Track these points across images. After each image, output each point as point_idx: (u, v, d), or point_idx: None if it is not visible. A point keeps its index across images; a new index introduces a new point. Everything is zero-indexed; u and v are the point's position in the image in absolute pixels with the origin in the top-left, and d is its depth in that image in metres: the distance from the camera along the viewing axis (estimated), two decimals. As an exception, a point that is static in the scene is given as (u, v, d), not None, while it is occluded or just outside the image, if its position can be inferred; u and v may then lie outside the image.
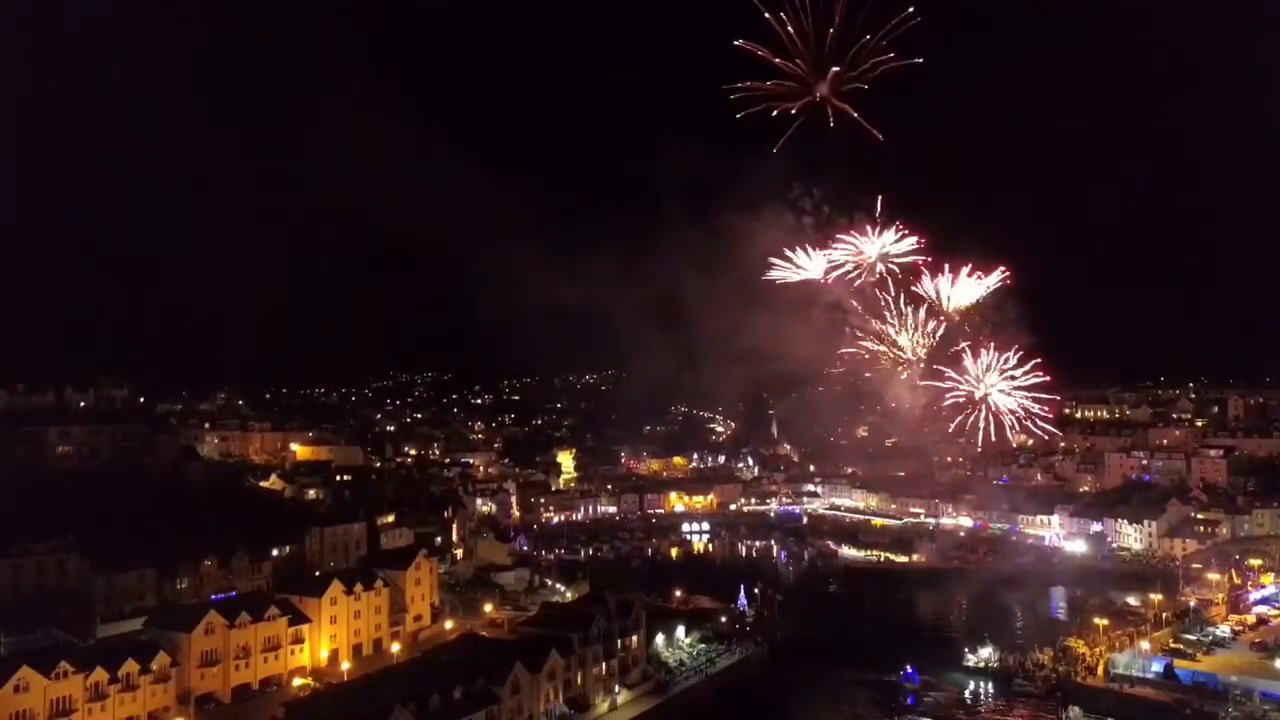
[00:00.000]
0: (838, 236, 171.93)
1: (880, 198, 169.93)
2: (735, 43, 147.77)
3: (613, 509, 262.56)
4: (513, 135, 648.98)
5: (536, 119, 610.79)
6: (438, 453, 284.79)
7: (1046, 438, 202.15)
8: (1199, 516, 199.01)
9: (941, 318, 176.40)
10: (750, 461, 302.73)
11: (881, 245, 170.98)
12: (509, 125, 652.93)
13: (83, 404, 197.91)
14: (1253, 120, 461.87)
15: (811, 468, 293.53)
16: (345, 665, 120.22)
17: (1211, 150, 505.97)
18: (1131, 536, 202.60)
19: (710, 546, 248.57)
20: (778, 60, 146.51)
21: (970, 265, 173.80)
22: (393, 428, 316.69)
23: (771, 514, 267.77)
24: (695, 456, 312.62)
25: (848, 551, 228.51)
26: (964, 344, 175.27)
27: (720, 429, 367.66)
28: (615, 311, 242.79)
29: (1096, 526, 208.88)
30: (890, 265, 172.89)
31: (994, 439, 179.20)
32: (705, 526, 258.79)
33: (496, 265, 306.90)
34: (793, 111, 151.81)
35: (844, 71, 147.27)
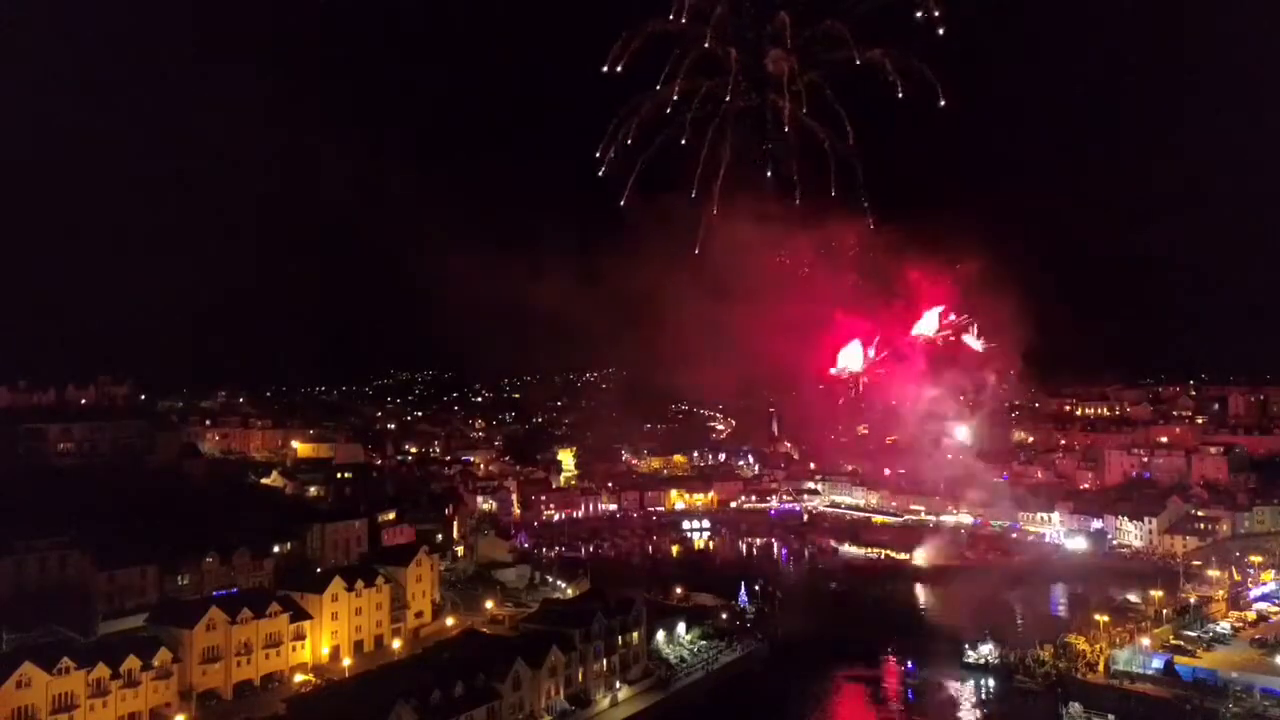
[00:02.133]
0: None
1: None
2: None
3: (613, 506, 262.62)
4: (491, 133, 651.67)
5: (520, 118, 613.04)
6: (438, 450, 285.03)
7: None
8: (1199, 513, 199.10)
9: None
10: (750, 459, 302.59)
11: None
12: (493, 123, 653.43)
13: (84, 401, 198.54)
14: (1253, 118, 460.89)
15: (812, 465, 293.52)
16: (347, 661, 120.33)
17: (1211, 149, 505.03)
18: (1132, 533, 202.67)
19: (711, 544, 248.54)
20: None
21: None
22: (393, 425, 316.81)
23: (771, 511, 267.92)
24: (695, 454, 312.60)
25: (848, 549, 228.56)
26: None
27: (720, 426, 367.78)
28: (608, 309, 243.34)
29: (1097, 523, 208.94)
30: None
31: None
32: (705, 524, 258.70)
33: (491, 264, 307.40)
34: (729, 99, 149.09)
35: (792, 61, 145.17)
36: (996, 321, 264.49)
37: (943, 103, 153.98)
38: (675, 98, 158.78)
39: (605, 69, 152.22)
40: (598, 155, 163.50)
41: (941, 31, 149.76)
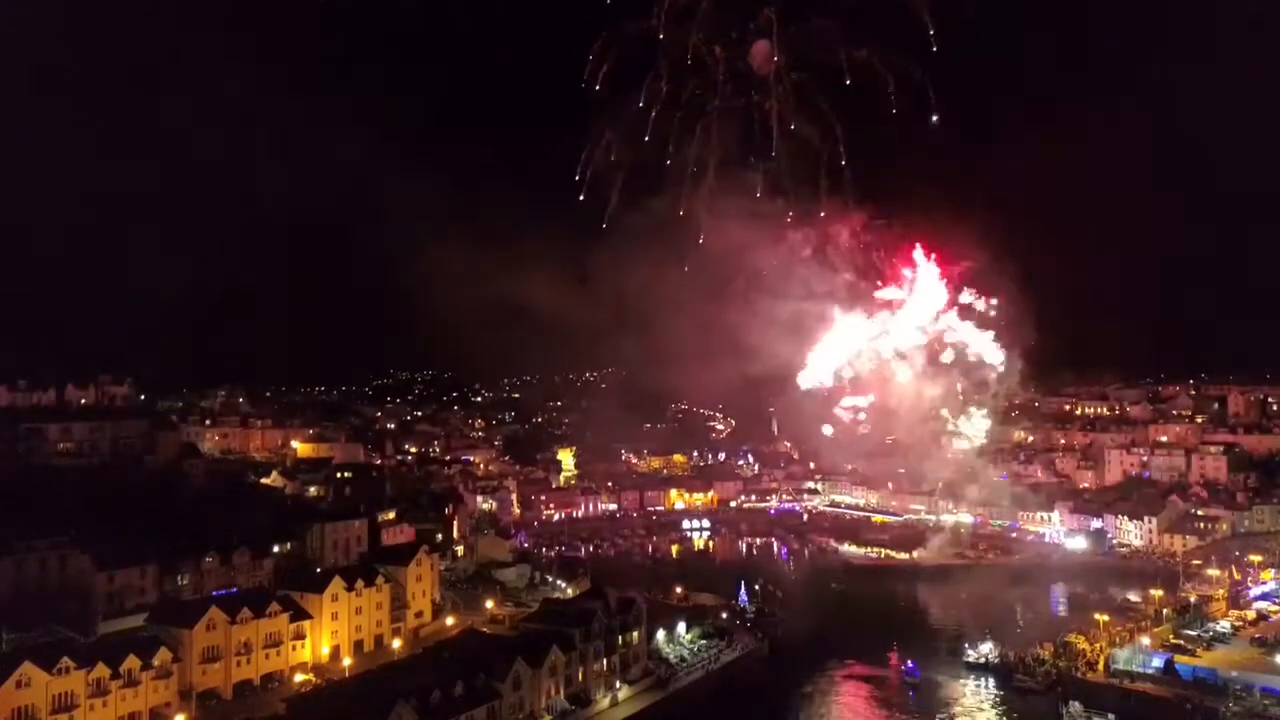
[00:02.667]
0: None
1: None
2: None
3: (613, 506, 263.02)
4: (491, 133, 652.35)
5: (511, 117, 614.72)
6: (438, 450, 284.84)
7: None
8: (1199, 513, 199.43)
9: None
10: (750, 459, 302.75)
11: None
12: (493, 123, 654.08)
13: (84, 401, 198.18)
14: (1253, 118, 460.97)
15: (812, 465, 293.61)
16: (347, 661, 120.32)
17: (1211, 149, 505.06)
18: (1132, 533, 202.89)
19: (711, 544, 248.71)
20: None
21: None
22: (393, 425, 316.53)
23: (771, 511, 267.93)
24: (695, 454, 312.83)
25: (848, 548, 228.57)
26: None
27: (720, 426, 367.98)
28: (607, 309, 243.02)
29: (1097, 523, 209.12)
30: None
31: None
32: (705, 524, 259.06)
33: (491, 264, 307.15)
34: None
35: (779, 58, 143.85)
36: (995, 321, 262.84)
37: (935, 118, 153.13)
38: (659, 105, 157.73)
39: (584, 84, 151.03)
40: (576, 178, 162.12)
41: (935, 50, 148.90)
